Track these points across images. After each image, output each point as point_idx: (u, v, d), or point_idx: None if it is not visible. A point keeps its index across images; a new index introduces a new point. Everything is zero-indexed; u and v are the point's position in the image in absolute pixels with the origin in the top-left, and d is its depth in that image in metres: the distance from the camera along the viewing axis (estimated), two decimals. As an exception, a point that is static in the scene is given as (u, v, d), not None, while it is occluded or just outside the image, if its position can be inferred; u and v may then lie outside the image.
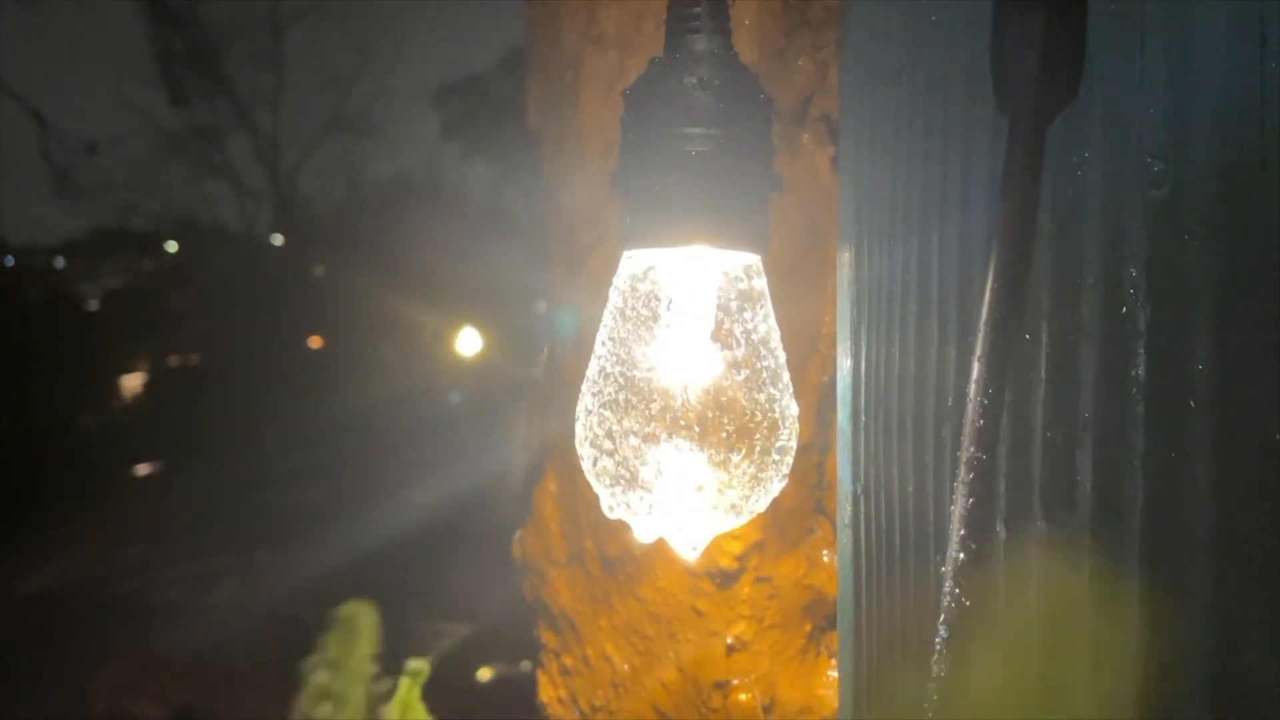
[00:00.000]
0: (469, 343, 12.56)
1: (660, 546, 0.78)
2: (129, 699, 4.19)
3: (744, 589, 0.70)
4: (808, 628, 0.70)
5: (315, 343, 15.31)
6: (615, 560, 0.75)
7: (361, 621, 0.38)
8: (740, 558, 0.70)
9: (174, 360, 16.50)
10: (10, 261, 16.80)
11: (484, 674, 4.82)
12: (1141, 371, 0.46)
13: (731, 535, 0.71)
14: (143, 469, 14.19)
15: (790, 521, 0.70)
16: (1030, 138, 0.46)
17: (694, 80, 0.49)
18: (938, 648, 0.47)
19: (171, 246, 17.92)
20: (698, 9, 0.50)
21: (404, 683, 0.30)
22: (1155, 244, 0.46)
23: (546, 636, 0.79)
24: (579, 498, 0.78)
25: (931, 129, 0.51)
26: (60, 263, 17.64)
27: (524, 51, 0.85)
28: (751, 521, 0.72)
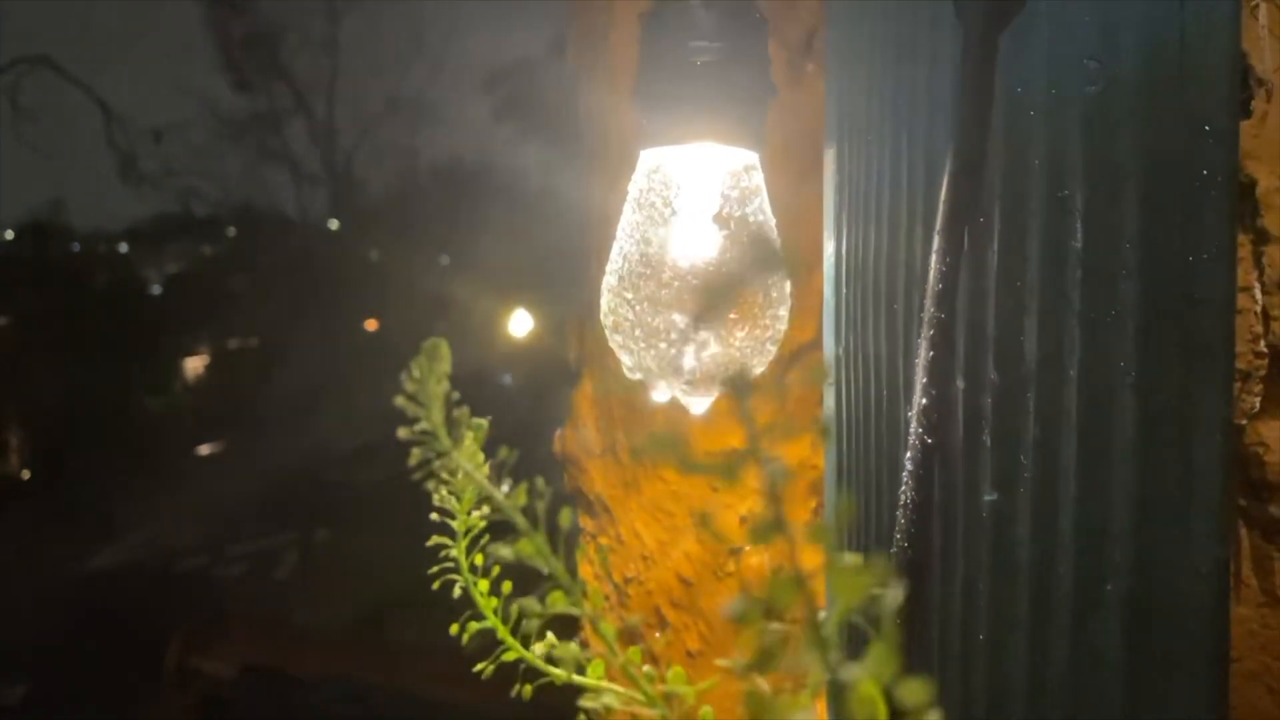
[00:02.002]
0: (521, 325, 12.65)
1: (680, 433, 0.87)
2: (198, 658, 4.34)
3: (752, 476, 0.79)
4: (812, 504, 0.79)
5: (371, 325, 15.49)
6: (642, 449, 0.85)
7: (440, 351, 0.43)
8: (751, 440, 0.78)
9: (234, 343, 16.71)
10: (76, 247, 17.15)
11: (539, 647, 4.91)
12: (1079, 244, 0.55)
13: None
14: (205, 449, 14.44)
15: (798, 409, 0.79)
16: (983, 45, 0.55)
17: (698, 3, 0.58)
18: (905, 480, 0.56)
19: (231, 231, 18.15)
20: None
21: (468, 436, 0.36)
22: (1090, 133, 0.54)
23: (584, 521, 0.89)
24: (611, 398, 0.88)
25: (901, 40, 0.59)
26: (124, 248, 17.92)
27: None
28: (761, 408, 0.81)
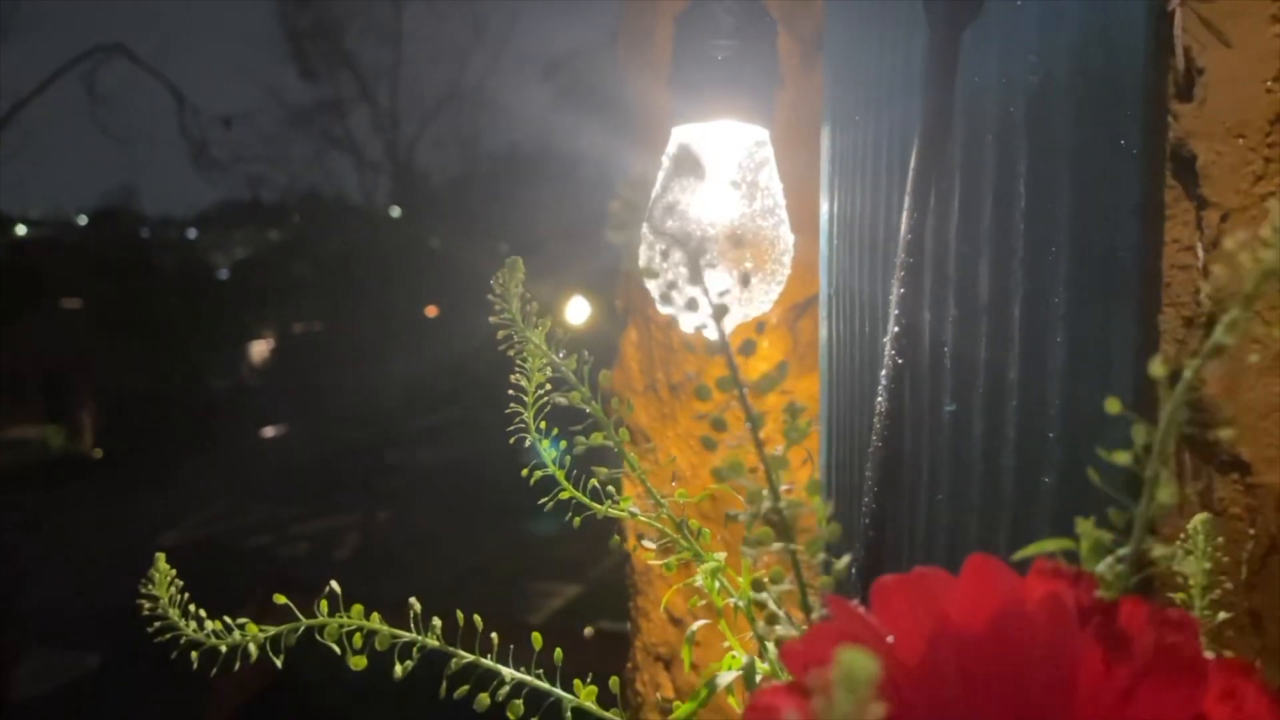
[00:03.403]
0: (578, 312, 12.72)
1: (707, 369, 1.01)
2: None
3: (770, 399, 0.93)
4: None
5: (431, 312, 15.66)
6: (679, 385, 0.98)
7: (517, 265, 0.52)
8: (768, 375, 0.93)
9: (298, 328, 16.93)
10: (146, 233, 17.51)
11: (589, 631, 4.99)
12: (1023, 203, 0.68)
13: (760, 356, 0.94)
14: (269, 431, 14.70)
15: (808, 350, 0.93)
16: (947, 42, 0.68)
17: (720, 8, 0.72)
18: (881, 393, 0.69)
19: (296, 218, 18.37)
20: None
21: (540, 324, 0.46)
22: (1032, 113, 0.67)
23: (628, 449, 1.04)
24: (653, 340, 1.02)
25: (882, 38, 0.73)
26: (193, 233, 18.23)
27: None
28: (775, 345, 0.95)
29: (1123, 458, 0.32)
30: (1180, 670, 0.31)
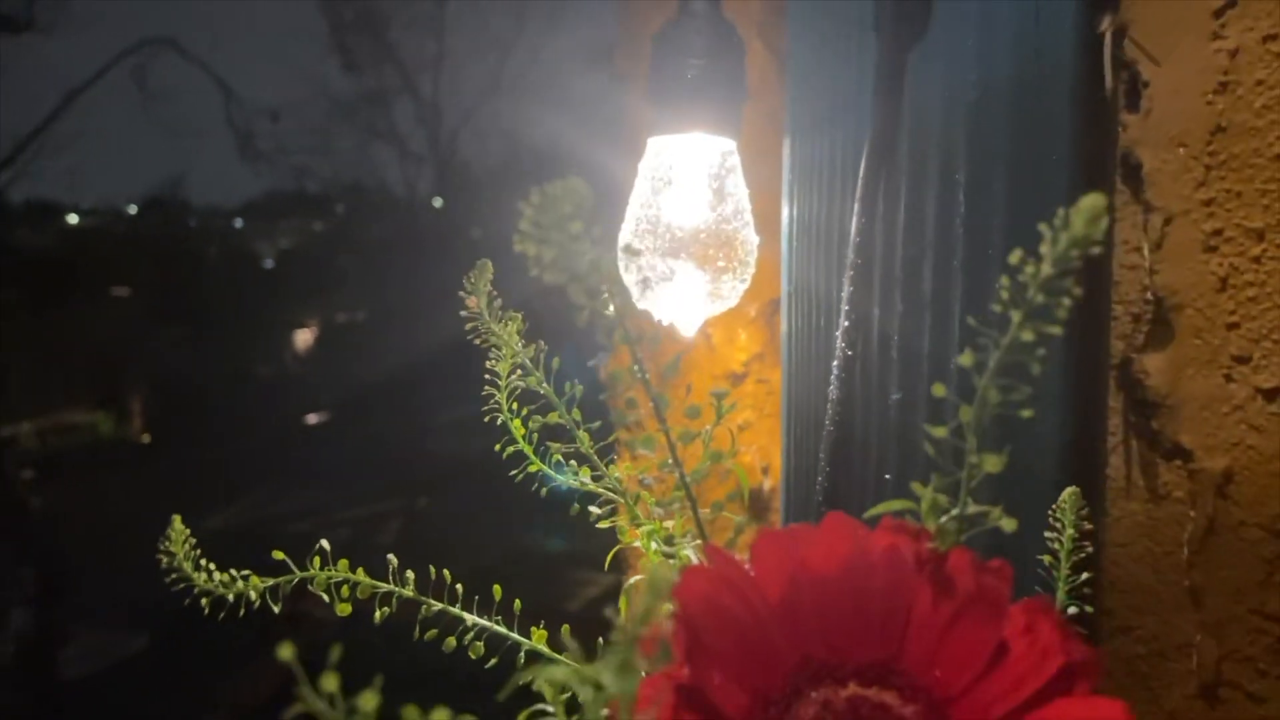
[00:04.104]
0: (617, 303, 12.70)
1: (693, 359, 1.08)
2: (309, 602, 4.61)
3: (749, 386, 1.01)
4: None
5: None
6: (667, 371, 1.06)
7: (486, 269, 0.56)
8: (745, 364, 1.00)
9: (341, 317, 17.06)
10: (194, 222, 17.74)
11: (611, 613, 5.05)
12: (962, 208, 0.75)
13: (739, 348, 1.02)
14: (312, 418, 14.84)
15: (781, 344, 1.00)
16: (894, 62, 0.75)
17: (692, 29, 0.79)
18: (833, 381, 0.77)
19: (340, 208, 18.50)
20: (698, -14, 0.80)
21: (509, 319, 0.50)
22: (969, 123, 0.74)
23: (621, 433, 1.11)
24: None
25: (836, 58, 0.80)
26: (239, 223, 18.42)
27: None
28: (753, 338, 1.03)
29: (941, 432, 0.39)
30: (989, 608, 0.38)
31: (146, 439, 14.33)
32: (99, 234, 16.88)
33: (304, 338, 16.87)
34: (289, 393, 15.18)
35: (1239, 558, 0.71)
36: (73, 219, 16.98)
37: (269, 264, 17.74)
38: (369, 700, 0.28)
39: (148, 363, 14.40)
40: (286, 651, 0.29)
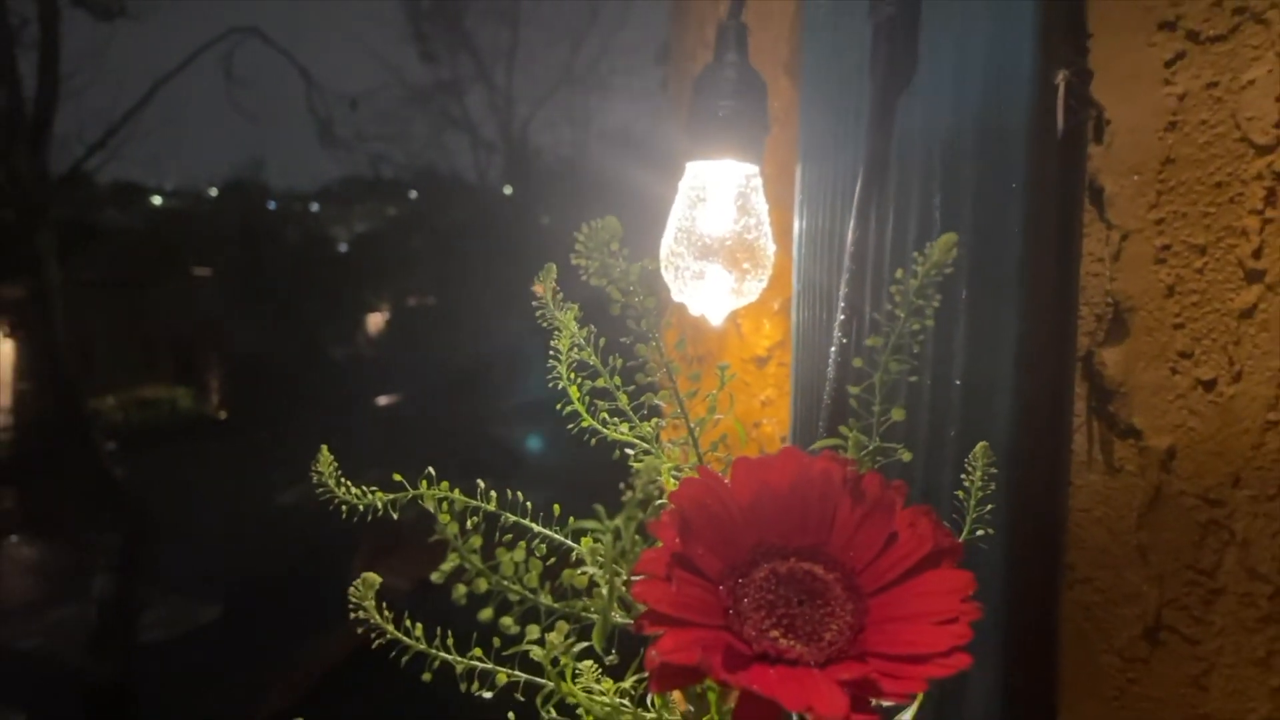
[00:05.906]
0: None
1: (725, 344, 1.26)
2: (380, 571, 4.80)
3: (771, 369, 1.18)
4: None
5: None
6: (699, 359, 1.24)
7: (550, 272, 0.66)
8: (769, 350, 1.18)
9: (413, 301, 17.23)
10: (272, 205, 18.03)
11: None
12: (938, 224, 0.92)
13: (764, 336, 1.20)
14: (383, 400, 15.03)
15: (803, 332, 1.18)
16: (885, 103, 0.92)
17: (722, 75, 0.97)
18: (831, 365, 0.94)
19: (414, 194, 18.63)
20: (728, 36, 0.98)
21: (570, 308, 0.61)
22: (946, 154, 0.91)
23: (666, 410, 1.30)
24: (683, 319, 1.29)
25: (839, 97, 0.97)
26: (315, 207, 18.64)
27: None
28: (775, 328, 1.20)
29: (855, 390, 0.57)
30: (886, 510, 0.56)
31: (223, 415, 14.64)
32: (182, 215, 17.21)
33: (376, 320, 17.03)
34: (361, 374, 15.32)
35: (1179, 522, 0.80)
36: (157, 200, 17.37)
37: (343, 248, 17.97)
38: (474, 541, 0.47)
39: (225, 341, 14.67)
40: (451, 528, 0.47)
